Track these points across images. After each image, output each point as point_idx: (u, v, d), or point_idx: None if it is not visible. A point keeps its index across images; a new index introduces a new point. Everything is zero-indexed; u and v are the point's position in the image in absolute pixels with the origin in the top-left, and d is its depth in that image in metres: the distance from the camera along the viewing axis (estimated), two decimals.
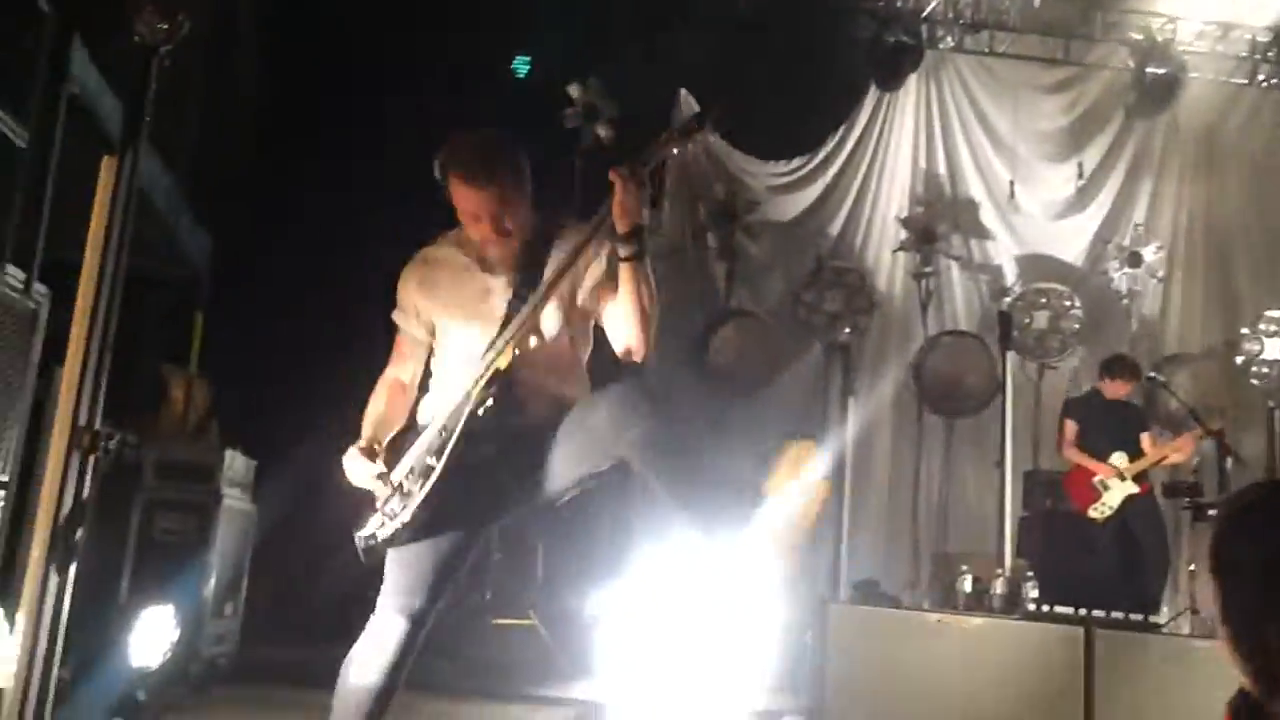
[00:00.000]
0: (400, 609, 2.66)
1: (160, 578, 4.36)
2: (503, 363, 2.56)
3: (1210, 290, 8.33)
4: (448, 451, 2.55)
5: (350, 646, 2.68)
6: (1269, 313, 7.73)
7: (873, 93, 8.36)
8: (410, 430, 2.72)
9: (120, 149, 2.17)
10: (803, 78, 7.52)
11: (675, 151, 2.54)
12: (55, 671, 2.34)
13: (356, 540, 2.70)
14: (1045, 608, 4.51)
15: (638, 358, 2.59)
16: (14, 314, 3.40)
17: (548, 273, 2.59)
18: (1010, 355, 5.84)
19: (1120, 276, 8.07)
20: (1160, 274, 8.18)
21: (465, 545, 2.69)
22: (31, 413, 3.56)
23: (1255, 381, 7.70)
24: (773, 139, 8.15)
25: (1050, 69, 8.47)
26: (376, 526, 2.65)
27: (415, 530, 2.59)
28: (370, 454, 2.64)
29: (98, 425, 2.25)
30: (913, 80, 8.30)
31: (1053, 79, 8.45)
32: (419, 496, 2.57)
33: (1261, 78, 8.50)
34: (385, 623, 2.69)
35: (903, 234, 8.21)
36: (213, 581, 4.51)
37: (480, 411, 2.55)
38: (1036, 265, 8.22)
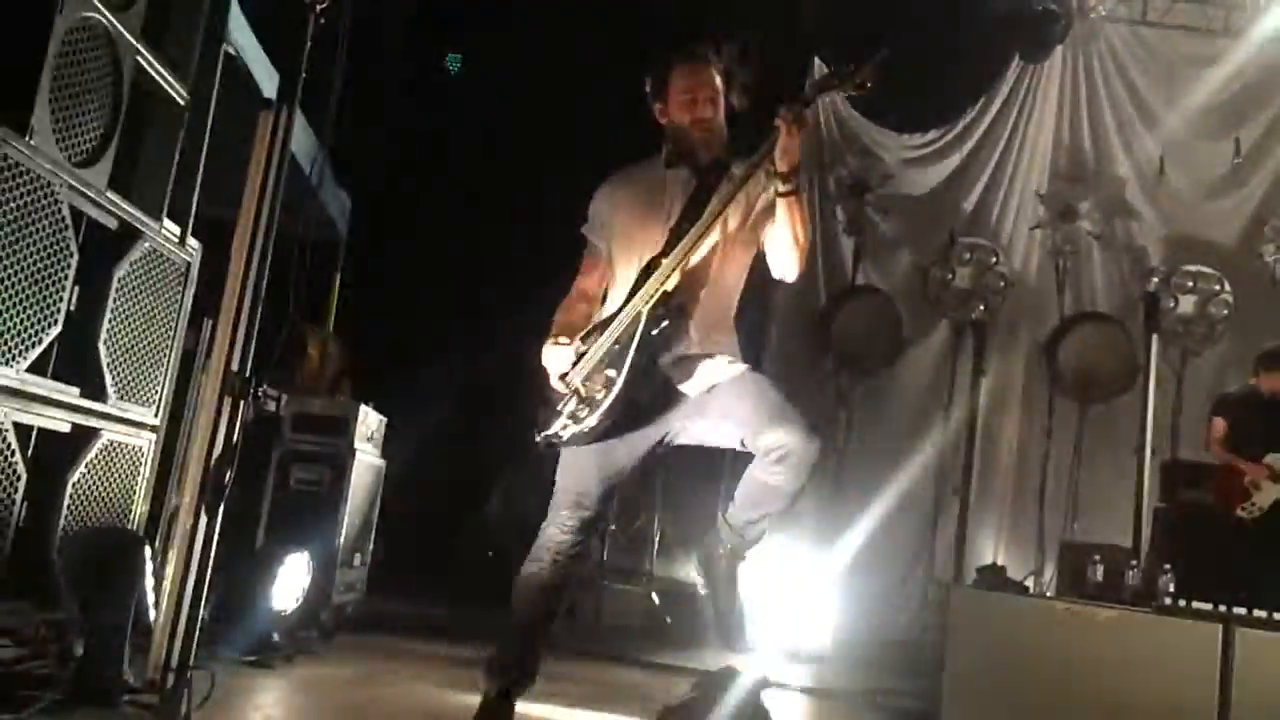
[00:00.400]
0: (571, 508, 2.92)
1: (295, 526, 4.54)
2: (671, 284, 2.81)
3: None
4: (627, 365, 2.78)
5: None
6: None
7: (1016, 63, 8.06)
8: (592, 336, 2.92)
9: (276, 105, 2.24)
10: (942, 47, 7.28)
11: (836, 96, 2.88)
12: (201, 610, 2.45)
13: (537, 439, 2.91)
14: (1183, 602, 4.31)
15: (790, 279, 2.89)
16: (169, 267, 3.57)
17: (715, 201, 2.84)
18: (1154, 340, 5.57)
19: (1277, 261, 7.62)
20: None
21: (631, 458, 2.91)
22: (180, 362, 3.74)
23: None
24: (909, 111, 7.94)
25: (1208, 39, 8.00)
26: (560, 427, 2.84)
27: (594, 435, 2.81)
28: (564, 345, 2.89)
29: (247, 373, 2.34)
30: (1059, 49, 7.96)
31: (1211, 50, 7.97)
32: (604, 404, 2.78)
33: None
34: (556, 522, 2.94)
35: (1041, 210, 7.92)
36: (344, 532, 4.66)
37: (654, 331, 2.80)
38: (1185, 246, 7.80)
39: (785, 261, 2.84)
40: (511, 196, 7.25)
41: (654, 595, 6.63)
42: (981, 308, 7.61)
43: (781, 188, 2.74)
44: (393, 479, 5.38)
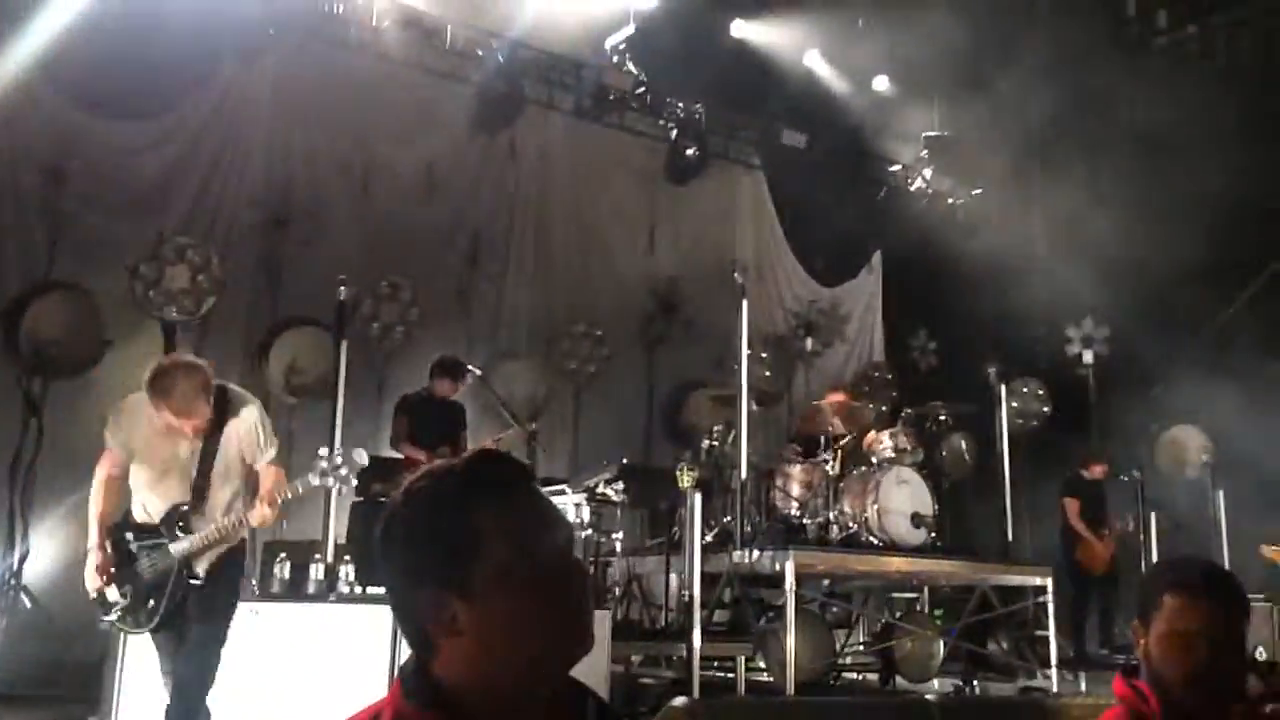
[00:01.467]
0: None
1: None
2: None
3: None
4: None
5: None
6: None
7: (228, 66, 8.07)
8: None
9: None
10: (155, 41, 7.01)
11: None
12: None
13: None
14: (359, 589, 4.71)
15: None
16: None
17: None
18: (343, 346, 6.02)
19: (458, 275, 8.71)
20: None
21: None
22: None
23: None
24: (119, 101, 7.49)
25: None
26: None
27: None
28: None
29: None
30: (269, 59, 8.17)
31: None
32: None
33: None
34: None
35: (254, 214, 8.04)
36: None
37: None
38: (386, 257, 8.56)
39: None
40: None
41: None
42: (190, 309, 7.48)
43: None
44: None
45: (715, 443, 6.79)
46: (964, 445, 9.61)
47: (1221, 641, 1.86)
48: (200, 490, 3.77)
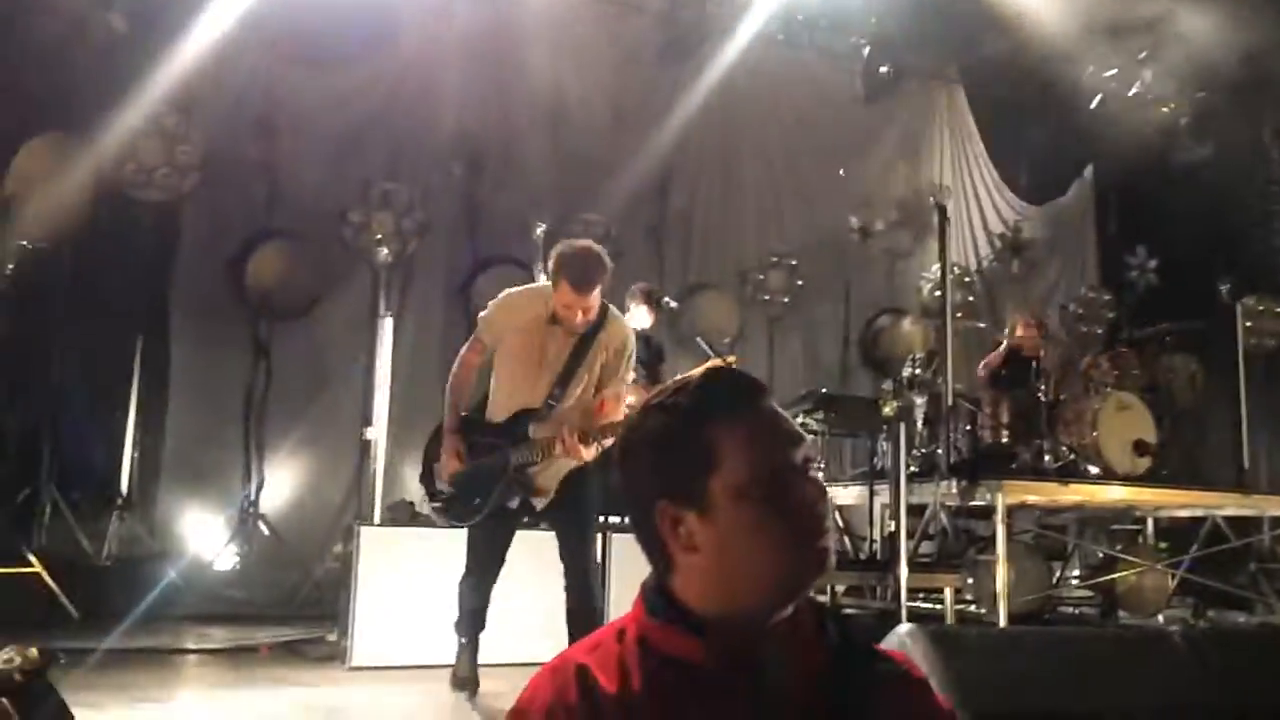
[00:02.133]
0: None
1: None
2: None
3: None
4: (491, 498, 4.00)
5: None
6: None
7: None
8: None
9: None
10: None
11: None
12: None
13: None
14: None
15: None
16: None
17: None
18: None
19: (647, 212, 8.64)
20: None
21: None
22: None
23: None
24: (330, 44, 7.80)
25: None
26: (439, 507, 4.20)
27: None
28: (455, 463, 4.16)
29: None
30: None
31: None
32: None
33: None
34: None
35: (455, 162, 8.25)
36: None
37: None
38: (580, 196, 8.62)
39: None
40: None
41: None
42: (398, 252, 7.76)
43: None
44: None
45: (918, 370, 6.56)
46: (1192, 368, 8.95)
47: None
48: (556, 395, 3.86)
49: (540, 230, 5.88)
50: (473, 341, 4.04)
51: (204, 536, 7.08)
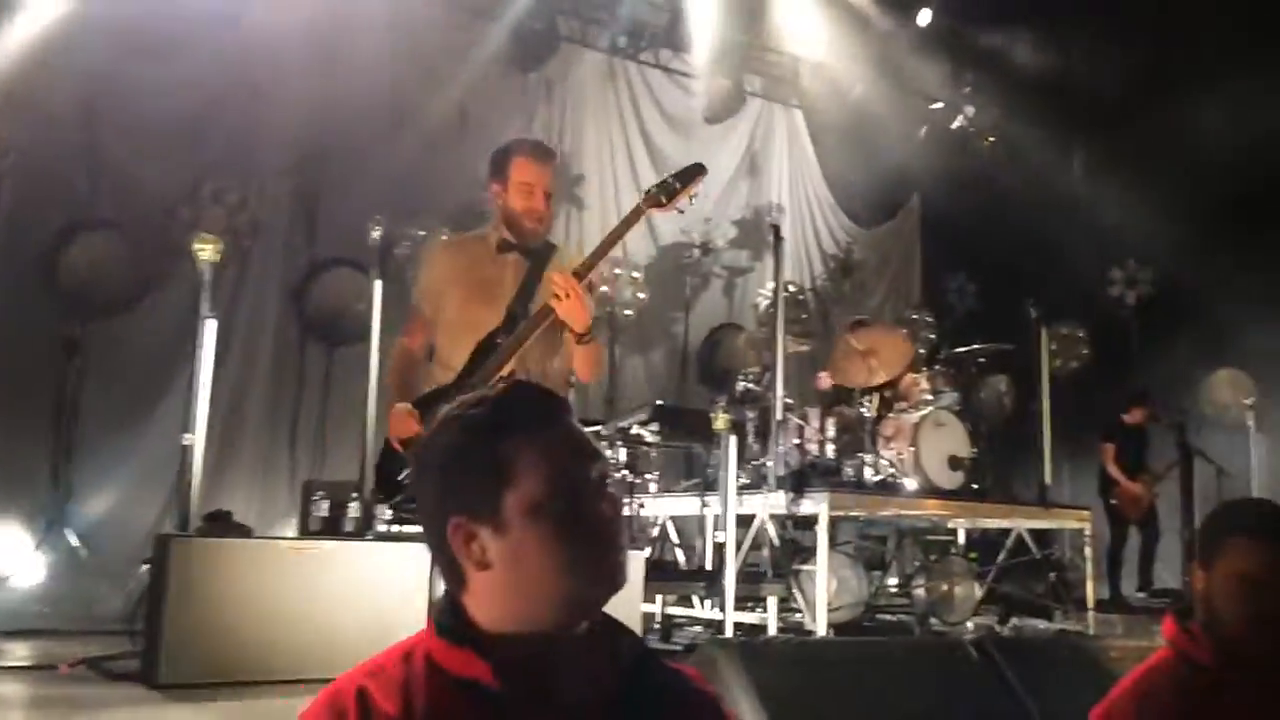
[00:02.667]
0: None
1: None
2: (506, 369, 3.25)
3: None
4: None
5: None
6: None
7: None
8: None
9: None
10: None
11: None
12: None
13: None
14: (395, 528, 4.73)
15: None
16: None
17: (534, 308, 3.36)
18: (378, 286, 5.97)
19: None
20: None
21: None
22: None
23: None
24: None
25: None
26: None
27: None
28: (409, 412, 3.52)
29: None
30: None
31: None
32: None
33: None
34: None
35: (291, 157, 8.01)
36: None
37: None
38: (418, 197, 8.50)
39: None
40: None
41: None
42: (228, 251, 7.48)
43: (576, 342, 3.32)
44: None
45: (750, 385, 6.74)
46: (1003, 388, 9.51)
47: None
48: (514, 319, 3.36)
49: (377, 234, 5.75)
50: (408, 324, 3.60)
51: (6, 548, 6.66)
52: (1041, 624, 6.97)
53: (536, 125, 9.24)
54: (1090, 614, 6.69)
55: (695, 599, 6.53)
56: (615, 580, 1.28)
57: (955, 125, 10.86)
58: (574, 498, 1.25)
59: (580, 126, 9.68)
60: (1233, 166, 8.29)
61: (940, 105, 10.86)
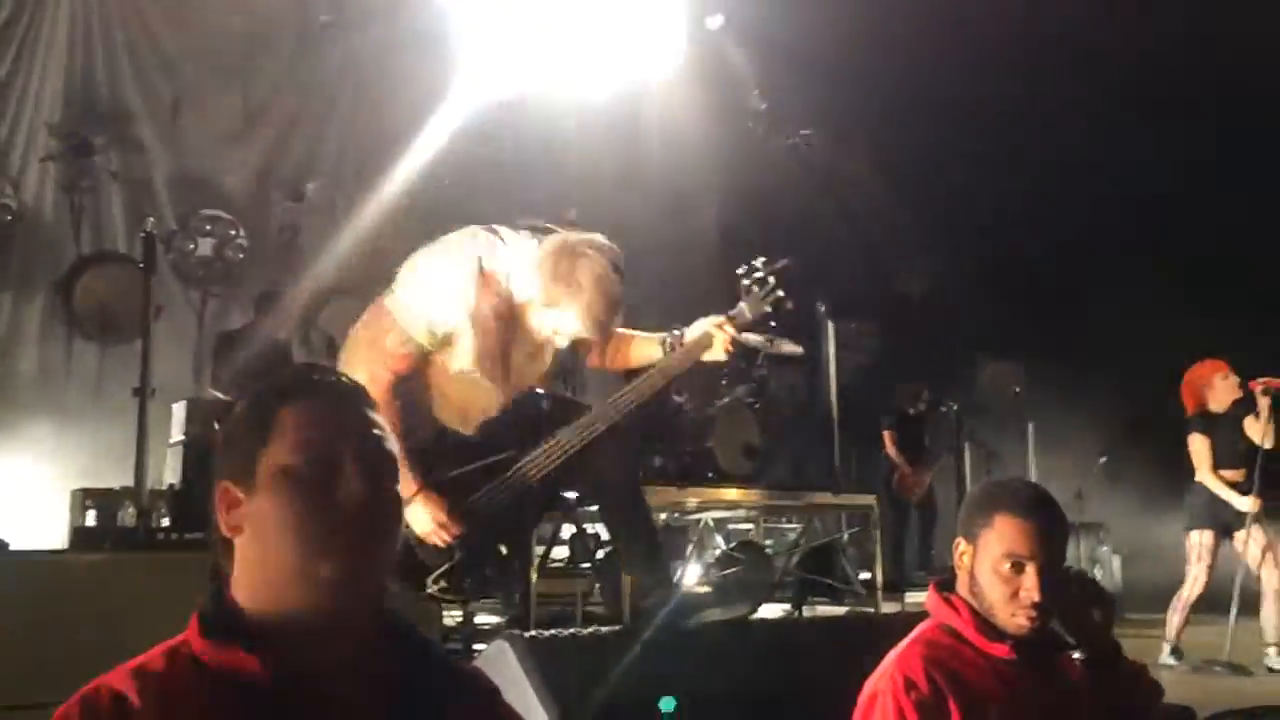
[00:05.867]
0: None
1: None
2: None
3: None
4: None
5: None
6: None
7: None
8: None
9: None
10: None
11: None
12: None
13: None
14: (175, 535, 4.50)
15: None
16: None
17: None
18: (151, 281, 5.65)
19: (284, 209, 8.31)
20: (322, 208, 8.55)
21: None
22: None
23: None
24: None
25: None
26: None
27: None
28: None
29: None
30: None
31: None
32: None
33: None
34: None
35: (53, 143, 7.44)
36: None
37: None
38: (201, 190, 8.08)
39: None
40: None
41: None
42: None
43: None
44: None
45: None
46: (792, 380, 9.84)
47: (1048, 562, 1.90)
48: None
49: (149, 224, 5.43)
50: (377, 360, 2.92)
51: None
52: (834, 606, 7.27)
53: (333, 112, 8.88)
54: (879, 593, 7.02)
55: (501, 597, 6.47)
56: (347, 561, 1.19)
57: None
58: (319, 467, 1.21)
59: (379, 112, 9.37)
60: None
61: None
